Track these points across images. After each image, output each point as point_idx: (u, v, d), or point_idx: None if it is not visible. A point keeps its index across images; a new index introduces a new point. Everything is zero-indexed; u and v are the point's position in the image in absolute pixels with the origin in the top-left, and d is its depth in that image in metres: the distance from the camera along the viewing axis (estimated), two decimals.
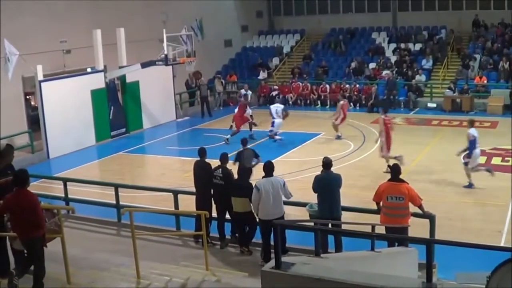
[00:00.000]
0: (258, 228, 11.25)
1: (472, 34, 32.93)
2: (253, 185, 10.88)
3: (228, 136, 22.04)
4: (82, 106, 22.73)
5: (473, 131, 16.10)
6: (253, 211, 11.12)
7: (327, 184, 10.85)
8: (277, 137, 22.19)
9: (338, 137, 22.38)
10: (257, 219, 11.11)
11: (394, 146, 18.03)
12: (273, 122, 22.39)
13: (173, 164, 20.11)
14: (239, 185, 11.38)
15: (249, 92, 26.30)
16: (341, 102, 23.06)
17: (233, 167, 12.56)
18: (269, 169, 10.85)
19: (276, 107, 22.72)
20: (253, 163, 14.38)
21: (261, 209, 10.68)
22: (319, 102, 30.40)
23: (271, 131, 22.34)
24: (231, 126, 23.08)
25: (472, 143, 15.97)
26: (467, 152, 16.19)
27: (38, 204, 8.00)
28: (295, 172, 17.59)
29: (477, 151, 16.07)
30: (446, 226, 12.30)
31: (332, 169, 11.23)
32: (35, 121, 22.52)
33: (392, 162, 14.98)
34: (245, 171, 11.44)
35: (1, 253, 8.73)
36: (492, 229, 12.85)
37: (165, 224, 13.02)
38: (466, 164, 16.20)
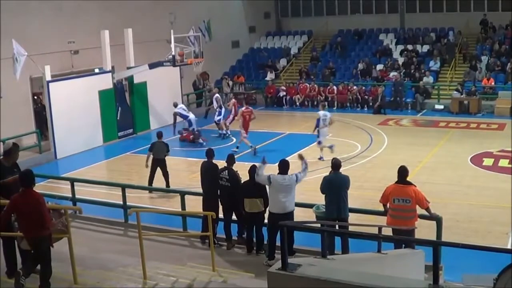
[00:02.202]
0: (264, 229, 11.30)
1: (480, 36, 32.84)
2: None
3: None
4: (89, 107, 22.79)
5: (320, 113, 19.71)
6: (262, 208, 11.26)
7: (335, 185, 10.84)
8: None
9: (228, 136, 23.13)
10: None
11: (401, 147, 18.06)
12: (189, 121, 22.80)
13: (180, 164, 20.12)
14: (252, 185, 11.38)
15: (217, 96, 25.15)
16: (232, 100, 23.73)
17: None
18: (283, 166, 10.96)
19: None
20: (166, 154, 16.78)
21: (271, 201, 10.83)
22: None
23: (193, 129, 23.23)
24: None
25: (317, 121, 19.57)
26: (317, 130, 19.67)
27: (44, 204, 8.03)
28: None
29: (324, 130, 19.54)
30: (453, 228, 12.29)
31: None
32: (42, 121, 22.58)
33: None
34: (255, 168, 11.45)
35: (9, 253, 8.76)
36: (500, 231, 12.80)
37: (171, 224, 13.04)
38: (319, 142, 19.58)
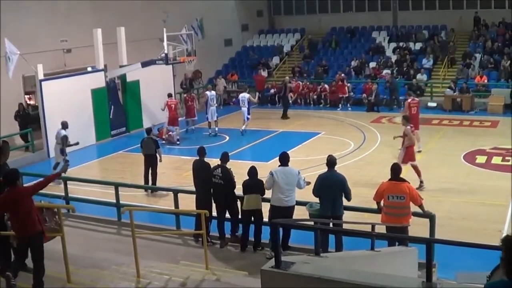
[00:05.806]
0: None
1: (473, 33, 32.91)
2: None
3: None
4: (82, 105, 22.72)
5: (207, 93, 24.04)
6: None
7: (330, 183, 10.82)
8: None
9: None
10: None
11: (395, 145, 18.09)
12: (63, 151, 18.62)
13: (173, 163, 20.09)
14: (252, 182, 11.46)
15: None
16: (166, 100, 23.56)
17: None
18: (284, 159, 11.12)
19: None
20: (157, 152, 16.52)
21: (274, 195, 10.93)
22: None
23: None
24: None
25: (206, 103, 23.91)
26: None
27: (31, 201, 8.03)
28: None
29: (212, 108, 23.61)
30: (446, 226, 12.30)
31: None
32: (35, 120, 22.45)
33: None
34: (254, 168, 11.53)
35: (4, 252, 8.74)
36: (493, 228, 12.82)
37: (165, 223, 13.05)
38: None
